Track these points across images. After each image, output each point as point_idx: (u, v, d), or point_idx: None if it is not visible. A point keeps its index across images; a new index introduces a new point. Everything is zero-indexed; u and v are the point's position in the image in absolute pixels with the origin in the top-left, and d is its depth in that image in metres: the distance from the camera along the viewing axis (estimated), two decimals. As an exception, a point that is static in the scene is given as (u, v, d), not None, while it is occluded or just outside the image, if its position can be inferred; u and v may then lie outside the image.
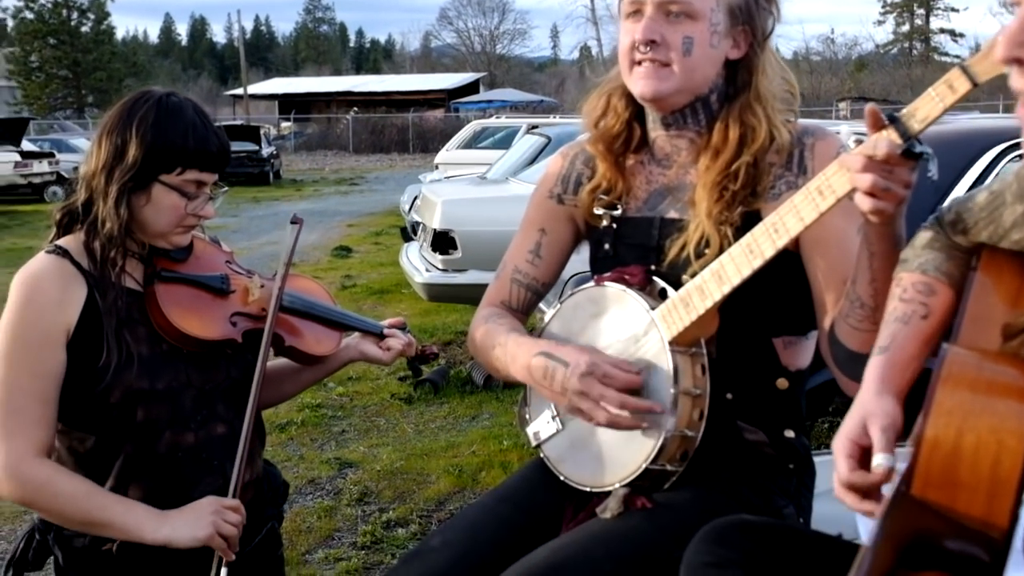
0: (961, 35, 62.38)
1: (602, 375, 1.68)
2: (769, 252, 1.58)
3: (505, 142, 15.61)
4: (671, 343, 1.69)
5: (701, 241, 1.75)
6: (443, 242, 7.06)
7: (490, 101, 47.05)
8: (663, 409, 1.67)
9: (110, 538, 1.87)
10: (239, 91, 54.79)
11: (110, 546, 1.88)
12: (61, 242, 1.93)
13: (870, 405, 1.35)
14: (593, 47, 63.51)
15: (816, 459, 1.91)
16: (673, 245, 1.79)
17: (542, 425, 1.89)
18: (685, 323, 1.68)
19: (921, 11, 62.96)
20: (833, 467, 1.33)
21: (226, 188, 2.06)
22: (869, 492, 1.30)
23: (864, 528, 1.99)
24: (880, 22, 64.17)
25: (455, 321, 8.16)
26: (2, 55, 53.40)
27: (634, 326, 1.75)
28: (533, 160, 9.74)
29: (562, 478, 1.84)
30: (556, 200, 2.00)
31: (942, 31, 62.60)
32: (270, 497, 2.15)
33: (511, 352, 1.87)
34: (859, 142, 1.47)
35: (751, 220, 1.71)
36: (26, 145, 23.89)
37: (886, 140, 1.40)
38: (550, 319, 1.91)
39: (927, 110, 1.39)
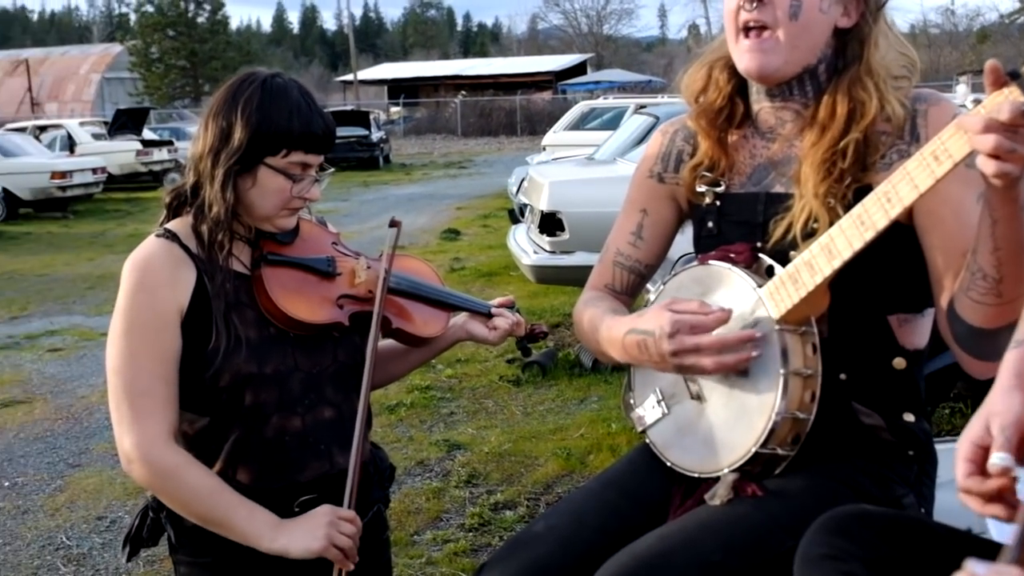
0: (1094, -1, 59.46)
1: (688, 327, 1.63)
2: (882, 223, 1.49)
3: (613, 123, 15.51)
4: (779, 322, 1.62)
5: (809, 220, 1.67)
6: (551, 224, 7.02)
7: (597, 82, 46.79)
8: (763, 336, 1.61)
9: None
10: (349, 77, 55.53)
11: None
12: (170, 225, 1.94)
13: (996, 403, 1.24)
14: (702, 25, 62.65)
15: (938, 446, 1.81)
16: (778, 225, 1.72)
17: (647, 410, 1.84)
18: (794, 300, 1.61)
19: (1050, -25, 60.18)
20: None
21: (332, 170, 2.03)
22: (992, 496, 1.19)
23: (995, 525, 1.89)
24: (1005, -11, 61.51)
25: (563, 303, 8.14)
26: (125, 48, 55.15)
27: (741, 305, 1.68)
28: (641, 140, 9.59)
29: (669, 464, 1.79)
30: (657, 179, 1.95)
31: (1072, -4, 59.79)
32: (376, 480, 2.14)
33: (607, 336, 1.83)
34: (977, 102, 1.37)
35: (862, 195, 1.61)
36: (147, 134, 24.71)
37: (1010, 101, 1.30)
38: (653, 300, 1.86)
39: None
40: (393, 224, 2.09)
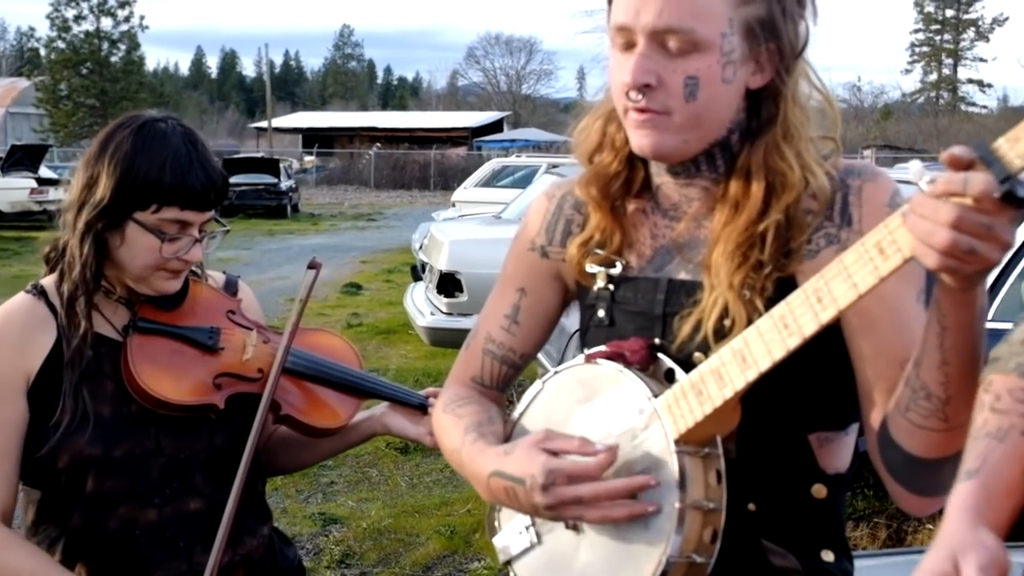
0: (989, 85, 62.16)
1: (566, 477, 1.31)
2: (809, 328, 1.19)
3: (524, 181, 15.35)
4: (678, 441, 1.30)
5: (722, 316, 1.36)
6: (449, 284, 6.72)
7: (513, 140, 46.98)
8: (657, 481, 1.29)
9: None
10: (263, 124, 54.99)
11: None
12: (44, 280, 1.77)
13: (962, 537, 1.01)
14: (619, 89, 63.54)
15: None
16: (685, 321, 1.40)
17: (512, 537, 1.50)
18: (696, 417, 1.29)
19: (949, 61, 62.65)
20: None
21: (227, 228, 1.84)
22: None
23: None
24: (908, 71, 63.60)
25: (460, 367, 7.79)
26: (32, 84, 53.88)
27: (632, 417, 1.36)
28: (550, 201, 9.37)
29: (536, 607, 1.45)
30: (539, 253, 1.61)
31: (970, 81, 62.24)
32: None
33: (471, 469, 1.49)
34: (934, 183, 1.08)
35: (784, 287, 1.33)
36: (45, 172, 23.89)
37: (981, 177, 1.02)
38: (528, 403, 1.52)
39: None
40: (312, 266, 1.84)
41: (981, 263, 1.06)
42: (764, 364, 1.24)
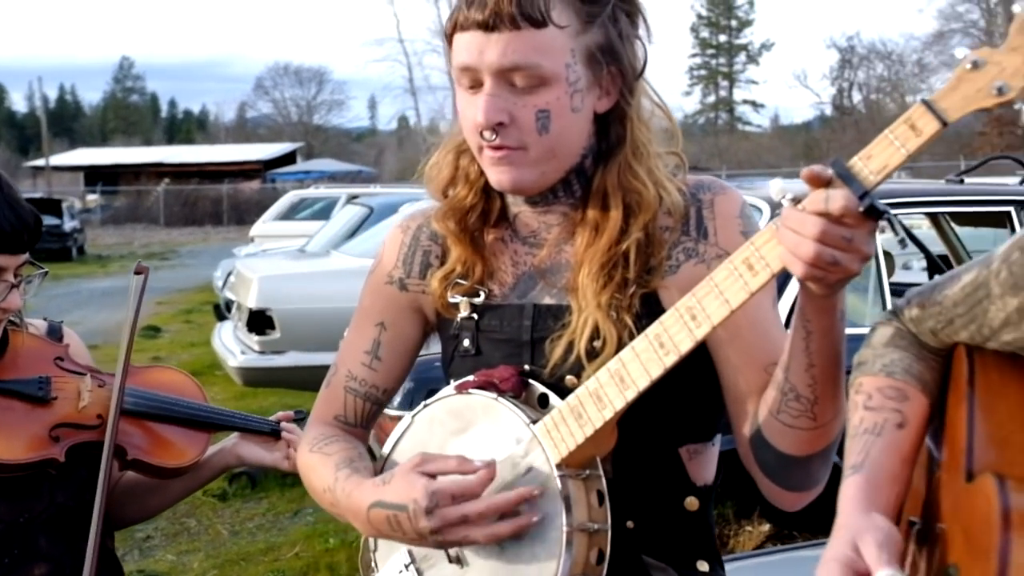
0: (762, 105, 65.83)
1: (449, 497, 1.30)
2: (686, 345, 1.23)
3: (324, 213, 15.18)
4: (560, 465, 1.31)
5: (593, 337, 1.37)
6: (260, 322, 6.55)
7: (308, 172, 46.34)
8: (541, 491, 1.30)
9: None
10: (40, 162, 52.27)
11: None
12: None
13: (858, 523, 1.09)
14: (411, 117, 63.74)
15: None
16: (557, 344, 1.40)
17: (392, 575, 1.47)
18: (578, 440, 1.29)
19: (725, 83, 65.99)
20: None
21: (45, 270, 1.73)
22: None
23: None
24: (688, 93, 66.65)
25: (273, 404, 7.59)
26: None
27: (510, 445, 1.36)
28: (355, 231, 9.32)
29: (420, 646, 1.41)
30: (398, 286, 1.58)
31: (744, 102, 65.73)
32: None
33: (347, 505, 1.45)
34: (796, 201, 1.14)
35: (649, 303, 1.38)
36: None
37: (843, 194, 1.09)
38: (398, 438, 1.49)
39: (885, 158, 1.09)
40: (139, 271, 1.78)
41: (844, 272, 1.12)
42: (642, 383, 1.26)
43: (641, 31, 1.46)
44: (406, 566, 1.45)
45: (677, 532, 1.46)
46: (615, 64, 1.41)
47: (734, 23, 64.44)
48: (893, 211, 1.20)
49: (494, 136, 1.37)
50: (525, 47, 1.33)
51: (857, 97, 51.12)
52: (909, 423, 1.19)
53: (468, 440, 1.40)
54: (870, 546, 1.04)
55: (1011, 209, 4.64)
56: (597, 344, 1.37)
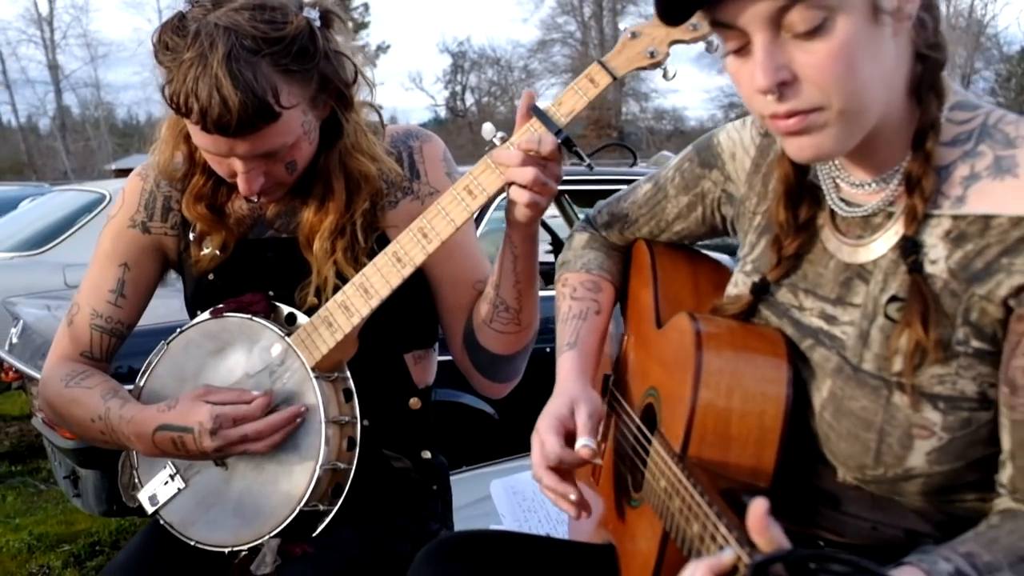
0: (380, 107, 66.91)
1: (231, 420, 1.51)
2: (419, 258, 1.50)
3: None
4: (314, 369, 1.53)
5: (334, 283, 1.59)
6: None
7: None
8: (307, 406, 1.53)
9: None
10: None
11: None
12: None
13: (577, 391, 1.35)
14: (5, 113, 58.64)
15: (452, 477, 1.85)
16: (307, 292, 1.61)
17: (158, 487, 1.62)
18: (329, 345, 1.53)
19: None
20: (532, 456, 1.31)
21: None
22: (567, 474, 1.29)
23: (510, 522, 2.11)
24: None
25: None
26: None
27: (266, 357, 1.56)
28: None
29: (193, 543, 1.58)
30: (141, 229, 1.73)
31: (364, 103, 66.57)
32: None
33: (124, 432, 1.59)
34: (504, 139, 1.44)
35: (382, 241, 1.61)
36: None
37: (549, 136, 1.39)
38: (153, 365, 1.65)
39: (572, 103, 1.42)
40: None
41: (549, 192, 1.42)
42: (384, 292, 1.51)
43: (340, 38, 1.61)
44: (171, 476, 1.61)
45: (406, 428, 1.73)
46: (329, 89, 1.57)
47: (351, 24, 65.05)
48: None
49: (257, 196, 1.59)
50: (272, 140, 1.50)
51: (470, 100, 53.34)
52: (604, 309, 1.51)
53: (226, 357, 1.60)
54: (582, 414, 1.30)
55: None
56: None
